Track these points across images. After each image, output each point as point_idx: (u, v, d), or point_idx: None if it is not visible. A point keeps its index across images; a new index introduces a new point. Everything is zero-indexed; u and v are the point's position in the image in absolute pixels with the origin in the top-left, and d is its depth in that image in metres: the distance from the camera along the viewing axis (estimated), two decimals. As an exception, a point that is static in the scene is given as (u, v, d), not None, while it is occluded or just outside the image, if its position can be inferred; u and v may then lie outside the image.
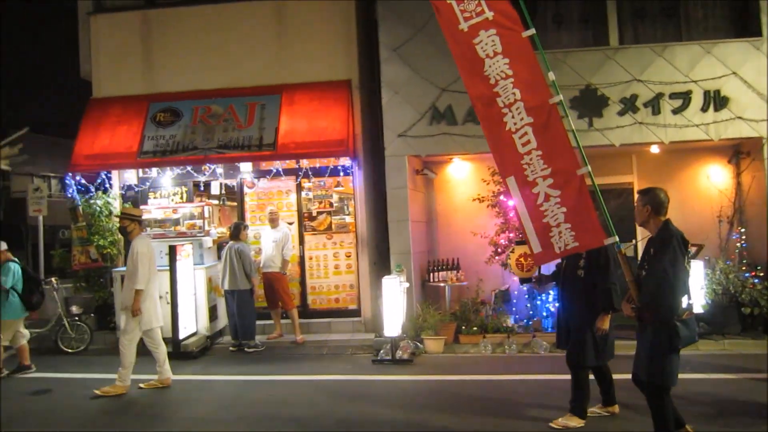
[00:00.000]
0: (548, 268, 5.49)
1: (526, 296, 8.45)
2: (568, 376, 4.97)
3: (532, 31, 4.24)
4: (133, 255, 6.22)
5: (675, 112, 8.06)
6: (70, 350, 8.07)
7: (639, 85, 8.10)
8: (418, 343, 7.79)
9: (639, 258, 4.28)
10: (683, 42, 8.30)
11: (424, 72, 8.32)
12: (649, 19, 8.64)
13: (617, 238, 4.19)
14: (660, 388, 3.97)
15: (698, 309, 7.79)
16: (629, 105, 8.10)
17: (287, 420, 5.37)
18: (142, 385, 6.36)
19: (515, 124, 4.25)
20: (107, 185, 8.67)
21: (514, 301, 8.57)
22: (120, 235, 8.31)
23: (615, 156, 9.10)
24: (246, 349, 7.97)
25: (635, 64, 8.13)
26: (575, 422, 4.77)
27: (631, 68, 8.12)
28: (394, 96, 8.40)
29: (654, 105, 8.07)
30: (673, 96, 8.08)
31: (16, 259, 7.32)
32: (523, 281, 5.65)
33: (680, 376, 4.02)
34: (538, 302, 8.33)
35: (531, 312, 8.35)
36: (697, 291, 7.83)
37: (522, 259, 5.33)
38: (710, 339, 7.62)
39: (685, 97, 8.04)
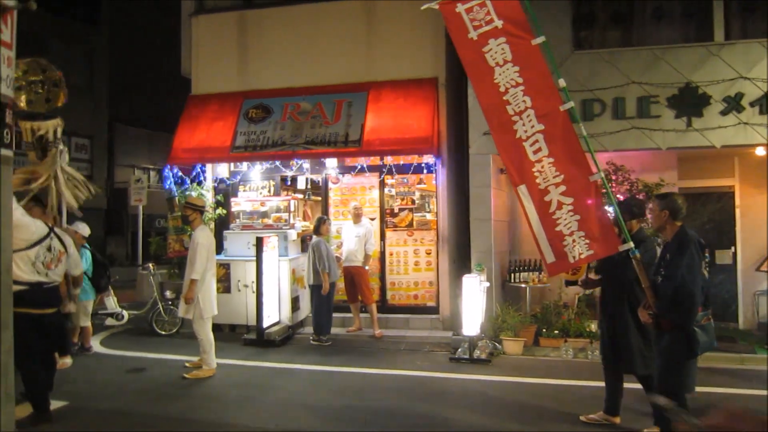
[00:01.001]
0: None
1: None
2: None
3: (542, 38, 4.18)
4: (193, 245, 6.47)
5: (782, 111, 7.48)
6: (163, 332, 8.58)
7: (745, 83, 7.57)
8: (497, 344, 7.69)
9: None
10: (796, 37, 7.68)
11: (511, 69, 8.18)
12: (759, 12, 8.06)
13: (632, 244, 4.10)
14: (676, 396, 3.79)
15: None
16: (733, 104, 7.58)
17: (362, 410, 5.48)
18: (186, 375, 6.52)
19: (526, 131, 4.21)
20: (201, 178, 9.14)
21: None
22: (211, 226, 8.74)
23: (715, 158, 8.58)
24: (311, 341, 8.16)
25: (741, 61, 7.61)
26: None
27: (737, 65, 7.61)
28: (480, 94, 8.31)
29: (762, 104, 7.51)
30: (783, 95, 7.50)
31: (88, 245, 7.66)
32: (568, 283, 5.47)
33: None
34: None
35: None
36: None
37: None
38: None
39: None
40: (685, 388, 3.86)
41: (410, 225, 9.05)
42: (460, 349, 7.48)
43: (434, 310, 8.83)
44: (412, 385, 6.40)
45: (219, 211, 9.08)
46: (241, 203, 9.12)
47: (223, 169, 9.38)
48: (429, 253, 8.98)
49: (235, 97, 9.10)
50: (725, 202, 8.83)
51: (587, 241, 4.15)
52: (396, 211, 9.12)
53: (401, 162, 8.76)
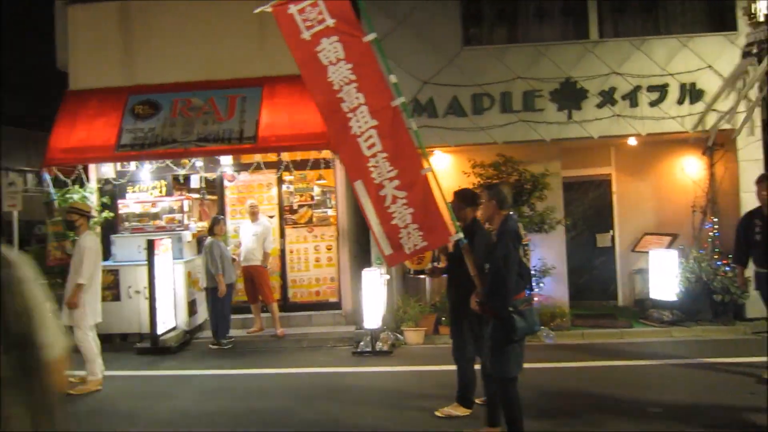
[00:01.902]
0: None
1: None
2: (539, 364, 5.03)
3: (373, 35, 4.29)
4: (79, 250, 6.18)
5: (652, 104, 8.16)
6: (47, 346, 7.94)
7: (617, 78, 8.18)
8: (399, 335, 7.83)
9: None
10: (661, 36, 8.38)
11: (406, 65, 8.28)
12: (628, 13, 8.72)
13: (461, 235, 4.32)
14: (503, 380, 4.08)
15: (671, 296, 7.98)
16: (608, 97, 8.17)
17: (264, 412, 5.38)
18: (71, 390, 6.03)
19: (360, 127, 4.29)
20: (84, 179, 8.54)
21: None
22: (96, 230, 8.20)
23: (594, 148, 9.20)
24: (210, 345, 7.92)
25: (614, 58, 8.21)
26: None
27: (610, 61, 8.20)
28: (375, 88, 8.38)
29: (632, 97, 8.17)
30: (651, 89, 8.17)
31: None
32: (415, 273, 5.66)
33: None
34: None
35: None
36: (672, 279, 8.02)
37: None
38: (683, 326, 7.79)
39: (662, 89, 8.15)
40: (510, 372, 4.05)
41: (310, 221, 8.98)
42: (362, 343, 7.54)
43: (337, 305, 8.82)
44: (315, 382, 6.37)
45: (105, 214, 8.54)
46: (129, 205, 8.62)
47: (108, 170, 8.81)
48: (330, 249, 8.96)
49: (119, 93, 8.56)
50: (603, 189, 9.50)
51: (421, 232, 4.28)
52: (295, 207, 9.02)
53: (299, 158, 8.66)
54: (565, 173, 8.97)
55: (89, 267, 6.14)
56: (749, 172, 7.92)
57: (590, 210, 9.57)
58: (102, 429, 5.10)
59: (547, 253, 8.55)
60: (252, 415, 5.31)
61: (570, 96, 8.21)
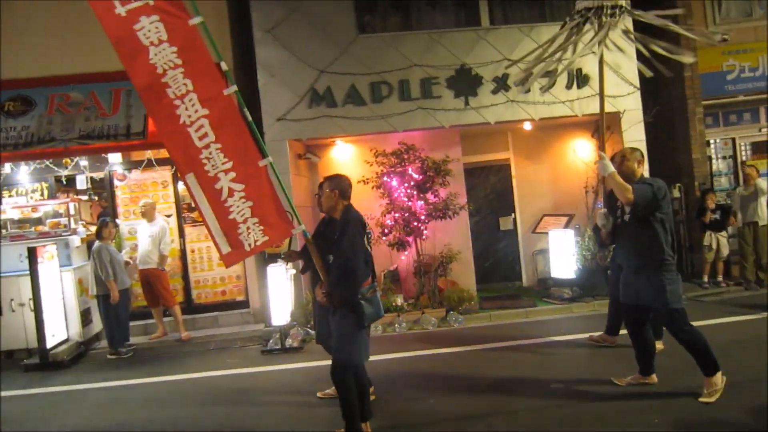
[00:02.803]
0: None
1: (414, 275, 8.60)
2: (459, 348, 5.04)
3: (200, 18, 4.09)
4: None
5: (543, 90, 8.45)
6: None
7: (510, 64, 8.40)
8: (309, 330, 7.70)
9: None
10: (547, 22, 8.69)
11: (301, 53, 8.14)
12: (516, 1, 8.97)
13: (304, 227, 4.26)
14: (345, 367, 4.10)
15: (570, 274, 8.36)
16: (501, 84, 8.39)
17: (164, 421, 5.10)
18: None
19: (189, 116, 4.04)
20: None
21: (403, 280, 8.69)
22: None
23: (492, 134, 9.44)
24: (108, 355, 7.51)
25: (505, 44, 8.42)
26: None
27: (502, 48, 8.41)
28: (271, 79, 8.15)
29: (523, 84, 8.40)
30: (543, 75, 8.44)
31: None
32: (270, 256, 5.57)
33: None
34: (424, 280, 8.50)
35: (420, 290, 8.51)
36: (570, 258, 8.39)
37: None
38: (582, 302, 8.17)
39: (552, 75, 8.44)
40: (358, 358, 4.10)
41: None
42: (271, 341, 7.36)
43: (244, 304, 8.57)
44: (221, 385, 6.13)
45: (-22, 222, 7.80)
46: (6, 211, 7.92)
47: (-22, 173, 8.05)
48: (234, 246, 8.65)
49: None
50: (503, 173, 9.79)
51: (262, 227, 4.13)
52: (193, 205, 8.61)
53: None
54: (467, 159, 9.17)
55: None
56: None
57: (492, 194, 9.84)
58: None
59: (452, 239, 8.72)
60: (149, 426, 5.02)
61: (466, 83, 8.35)
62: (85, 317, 7.83)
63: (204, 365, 6.86)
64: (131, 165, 8.41)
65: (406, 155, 8.37)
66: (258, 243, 4.11)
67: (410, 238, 8.45)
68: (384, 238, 8.54)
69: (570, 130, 9.30)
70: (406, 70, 8.25)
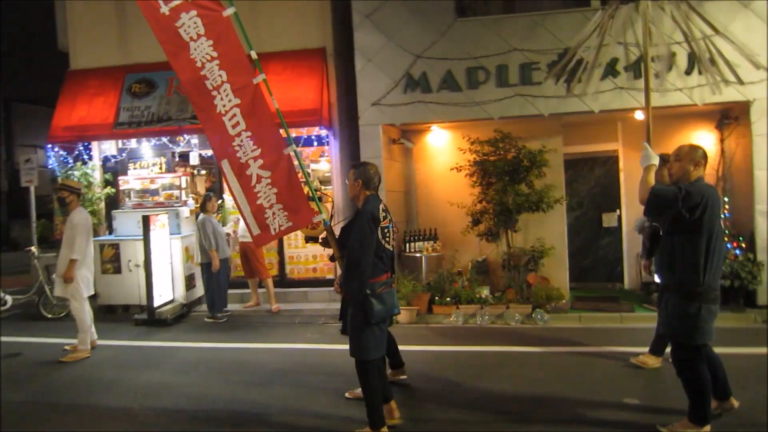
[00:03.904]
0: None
1: (502, 267, 8.33)
2: (535, 348, 4.86)
3: (233, 9, 4.20)
4: (71, 225, 6.34)
5: (658, 76, 7.69)
6: (50, 316, 8.33)
7: (619, 48, 7.72)
8: (391, 313, 7.77)
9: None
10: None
11: (398, 38, 8.13)
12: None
13: (325, 216, 4.31)
14: (361, 362, 4.03)
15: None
16: (609, 69, 7.77)
17: (236, 384, 5.46)
18: (62, 358, 6.38)
19: (224, 106, 4.24)
20: (86, 156, 8.79)
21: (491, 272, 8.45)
22: (100, 206, 8.46)
23: (599, 123, 8.80)
24: (206, 318, 8.11)
25: (616, 26, 7.75)
26: None
27: (612, 30, 7.75)
28: (368, 64, 8.24)
29: (635, 69, 7.73)
30: (656, 59, 7.70)
31: None
32: (308, 239, 5.54)
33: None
34: (513, 274, 8.20)
35: (507, 284, 8.23)
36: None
37: None
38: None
39: (665, 60, 7.66)
40: (367, 354, 4.00)
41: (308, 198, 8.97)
42: (350, 320, 7.54)
43: (333, 282, 8.82)
44: (296, 357, 6.41)
45: (107, 190, 8.78)
46: (130, 181, 8.85)
47: (110, 147, 9.05)
48: (326, 226, 8.95)
49: (116, 72, 8.74)
50: (610, 166, 9.10)
51: (285, 213, 4.29)
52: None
53: (294, 135, 8.63)
54: (569, 150, 8.65)
55: (81, 243, 6.35)
56: (764, 147, 7.42)
57: (596, 188, 9.20)
58: (80, 397, 5.27)
59: (546, 233, 8.31)
60: (222, 388, 5.37)
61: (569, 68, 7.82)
62: (189, 282, 8.56)
63: (286, 337, 7.21)
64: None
65: (502, 143, 8.10)
66: (282, 228, 4.33)
67: (501, 230, 8.19)
68: (474, 227, 8.36)
69: (689, 120, 8.40)
70: (504, 55, 7.92)
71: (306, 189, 4.50)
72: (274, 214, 4.30)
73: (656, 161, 3.98)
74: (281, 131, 4.36)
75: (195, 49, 4.27)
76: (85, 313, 6.46)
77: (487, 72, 7.97)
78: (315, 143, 8.61)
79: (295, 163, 4.36)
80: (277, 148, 4.30)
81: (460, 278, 8.34)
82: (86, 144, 8.72)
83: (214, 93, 4.27)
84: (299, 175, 4.41)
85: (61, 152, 8.56)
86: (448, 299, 7.98)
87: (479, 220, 8.26)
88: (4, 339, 7.38)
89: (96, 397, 5.27)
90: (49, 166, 8.80)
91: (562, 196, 8.17)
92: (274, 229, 4.34)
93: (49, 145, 8.64)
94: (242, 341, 7.06)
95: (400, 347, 6.55)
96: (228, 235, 8.41)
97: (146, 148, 9.03)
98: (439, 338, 6.98)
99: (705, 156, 3.99)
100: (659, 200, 3.77)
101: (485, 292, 8.15)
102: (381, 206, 4.07)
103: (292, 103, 8.20)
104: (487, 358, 6.16)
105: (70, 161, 8.67)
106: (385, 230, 4.03)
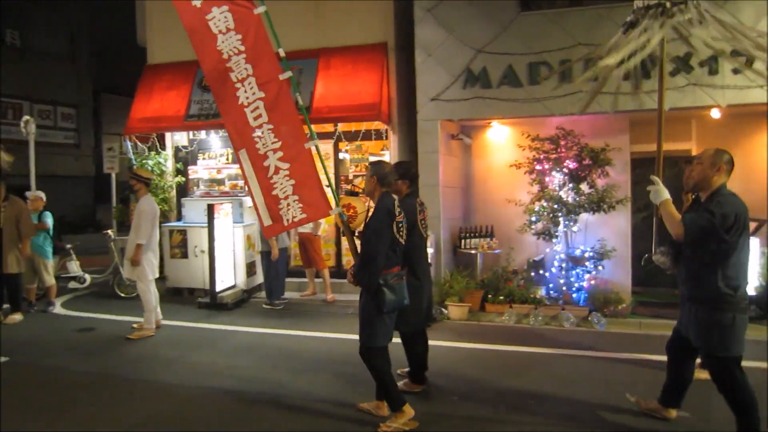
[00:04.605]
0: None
1: (562, 268, 8.11)
2: (586, 352, 5.06)
3: (264, 8, 4.35)
4: (138, 213, 6.76)
5: (736, 71, 7.22)
6: (124, 295, 8.90)
7: (695, 43, 7.31)
8: (443, 309, 7.77)
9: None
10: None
11: (459, 33, 8.05)
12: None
13: (340, 209, 4.49)
14: (369, 350, 4.19)
15: (750, 290, 7.13)
16: (682, 64, 7.37)
17: (283, 369, 5.66)
18: (129, 335, 6.82)
19: (248, 98, 4.40)
20: (159, 146, 9.31)
21: (548, 273, 8.24)
22: (171, 193, 8.95)
23: (671, 121, 8.26)
24: (264, 305, 8.40)
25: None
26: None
27: (686, 23, 7.34)
28: (428, 58, 8.22)
29: (711, 64, 7.29)
30: (735, 53, 7.22)
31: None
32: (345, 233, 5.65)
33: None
34: (573, 275, 7.97)
35: (565, 284, 8.02)
36: (752, 271, 7.17)
37: (346, 211, 5.37)
38: (759, 323, 6.92)
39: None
40: (375, 340, 4.16)
41: (364, 191, 9.10)
42: (402, 314, 7.59)
43: (388, 275, 8.91)
44: (344, 347, 6.51)
45: (178, 179, 9.27)
46: (198, 171, 9.29)
47: (182, 138, 9.53)
48: (383, 220, 9.04)
49: (188, 66, 9.16)
50: (682, 166, 8.61)
51: (301, 205, 4.42)
52: (351, 177, 9.17)
53: (353, 129, 8.77)
54: (637, 149, 8.29)
55: (147, 229, 6.76)
56: None
57: (669, 188, 8.72)
58: (140, 372, 5.64)
59: (608, 234, 8.03)
60: (270, 372, 5.59)
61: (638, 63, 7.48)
62: (250, 269, 8.90)
63: (338, 327, 7.35)
64: (299, 137, 9.22)
65: (563, 141, 7.88)
66: (296, 219, 4.48)
67: (559, 229, 7.99)
68: (533, 226, 8.19)
69: (773, 119, 7.84)
70: (568, 50, 7.66)
71: (325, 182, 4.65)
72: (288, 205, 4.47)
73: (668, 196, 3.91)
74: (304, 126, 4.50)
75: (222, 42, 4.48)
76: (150, 294, 6.89)
77: (550, 67, 7.76)
78: (374, 136, 8.69)
79: (316, 157, 4.53)
80: (298, 142, 4.47)
81: (515, 277, 8.21)
82: (160, 134, 9.23)
83: (238, 85, 4.47)
84: (319, 169, 4.56)
85: (138, 142, 9.11)
86: (502, 298, 7.89)
87: (537, 218, 8.08)
88: (81, 314, 8.01)
89: (155, 373, 5.62)
90: (126, 155, 9.40)
91: (627, 197, 7.87)
92: (287, 220, 4.51)
93: (126, 136, 9.21)
94: (295, 329, 7.27)
95: (448, 343, 6.61)
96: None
97: (214, 139, 9.45)
98: (489, 337, 6.90)
99: (730, 162, 3.78)
100: (699, 233, 3.62)
101: (540, 292, 7.99)
102: (396, 202, 4.25)
103: (352, 98, 8.32)
104: (534, 359, 6.05)
105: (146, 150, 9.22)
106: (399, 225, 4.18)
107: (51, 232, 8.11)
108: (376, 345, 4.20)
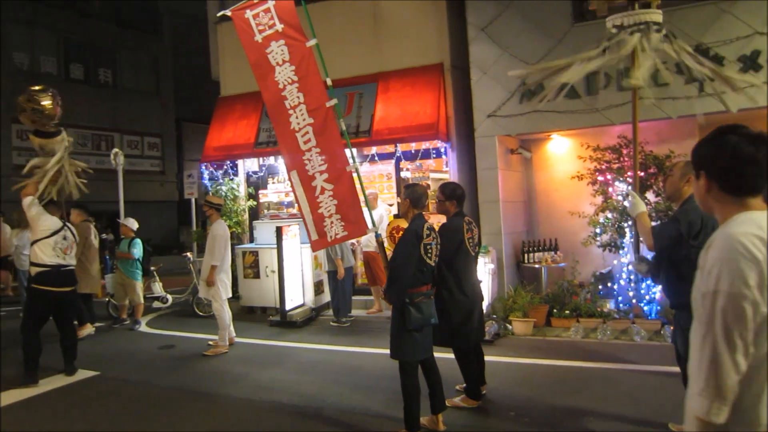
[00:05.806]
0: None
1: (631, 280, 7.87)
2: (657, 367, 5.07)
3: (315, 41, 4.77)
4: (212, 236, 7.24)
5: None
6: (202, 314, 9.47)
7: (762, 39, 6.99)
8: (508, 325, 7.73)
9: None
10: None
11: (513, 49, 8.10)
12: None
13: (377, 229, 4.80)
14: (401, 363, 4.36)
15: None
16: (750, 63, 7.03)
17: (347, 385, 5.85)
18: (205, 352, 7.25)
19: (299, 124, 4.73)
20: (232, 172, 9.89)
21: (616, 286, 8.00)
22: (244, 216, 9.48)
23: (746, 123, 7.94)
24: (331, 322, 8.66)
25: (756, 15, 7.02)
26: None
27: (751, 20, 7.03)
28: (483, 76, 8.31)
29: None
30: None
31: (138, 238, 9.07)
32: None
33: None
34: (644, 286, 7.70)
35: (635, 297, 7.77)
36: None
37: (395, 232, 5.49)
38: None
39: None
40: (405, 356, 4.33)
41: (426, 209, 9.24)
42: (464, 330, 7.61)
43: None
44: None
45: (250, 202, 9.79)
46: (268, 194, 9.78)
47: (252, 164, 10.07)
48: (445, 236, 9.12)
49: (257, 97, 9.64)
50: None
51: (342, 223, 4.74)
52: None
53: (413, 149, 8.96)
54: (708, 153, 7.93)
55: (220, 251, 7.24)
56: None
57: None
58: (212, 387, 6.01)
59: (679, 244, 7.70)
60: (334, 388, 5.78)
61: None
62: (318, 288, 9.23)
63: (401, 343, 7.49)
64: (360, 159, 9.52)
65: (625, 150, 7.70)
66: (338, 236, 4.82)
67: (625, 240, 7.77)
68: (598, 238, 8.02)
69: None
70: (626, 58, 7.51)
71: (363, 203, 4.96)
72: (332, 223, 4.81)
73: (644, 209, 4.05)
74: (346, 150, 4.80)
75: (279, 73, 4.89)
76: (224, 313, 7.32)
77: (608, 76, 7.63)
78: (433, 155, 8.84)
79: (356, 179, 4.85)
80: (341, 165, 4.80)
81: (582, 290, 8.04)
82: (233, 161, 9.82)
83: (291, 112, 4.85)
84: (359, 190, 4.90)
85: (212, 170, 9.75)
86: (568, 312, 7.74)
87: (603, 230, 7.90)
88: (163, 332, 8.61)
89: (225, 387, 5.97)
90: (203, 181, 10.07)
91: (697, 205, 7.54)
92: (331, 237, 4.86)
93: (203, 164, 9.87)
94: (361, 345, 7.47)
95: (510, 359, 6.58)
96: (353, 245, 8.94)
97: (281, 164, 9.92)
98: (553, 352, 6.80)
99: None
100: (668, 242, 3.78)
101: (608, 305, 7.78)
102: (427, 224, 4.40)
103: (411, 118, 8.53)
104: (600, 374, 5.92)
105: (220, 177, 9.83)
106: (428, 246, 4.31)
107: (140, 257, 8.81)
108: (403, 359, 4.35)
